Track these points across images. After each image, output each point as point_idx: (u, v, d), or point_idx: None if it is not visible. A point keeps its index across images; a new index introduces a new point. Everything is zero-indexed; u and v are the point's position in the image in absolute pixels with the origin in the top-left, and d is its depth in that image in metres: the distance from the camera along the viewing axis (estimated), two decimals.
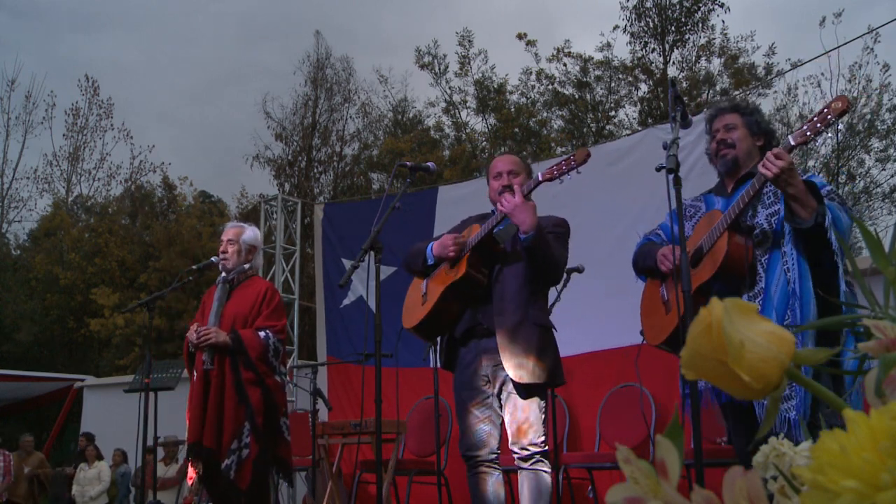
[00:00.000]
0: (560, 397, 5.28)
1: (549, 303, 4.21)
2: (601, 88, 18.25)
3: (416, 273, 3.27)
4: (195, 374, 3.71)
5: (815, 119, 2.28)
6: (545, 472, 2.93)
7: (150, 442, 4.41)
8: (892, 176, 16.37)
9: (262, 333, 3.63)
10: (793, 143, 2.32)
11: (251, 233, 3.94)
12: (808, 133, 2.29)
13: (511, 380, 2.91)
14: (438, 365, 4.53)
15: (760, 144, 2.68)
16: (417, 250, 3.21)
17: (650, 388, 4.99)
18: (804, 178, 2.38)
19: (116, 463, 9.11)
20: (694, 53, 17.53)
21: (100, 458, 9.02)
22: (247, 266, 3.88)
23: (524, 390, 2.91)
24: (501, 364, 2.94)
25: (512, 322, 2.92)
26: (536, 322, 2.97)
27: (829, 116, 2.24)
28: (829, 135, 15.26)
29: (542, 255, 2.91)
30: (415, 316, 3.18)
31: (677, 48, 17.59)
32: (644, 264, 2.85)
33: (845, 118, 15.30)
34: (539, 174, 2.91)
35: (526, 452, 2.90)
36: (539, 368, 2.91)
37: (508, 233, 3.03)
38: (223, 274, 3.86)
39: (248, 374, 3.56)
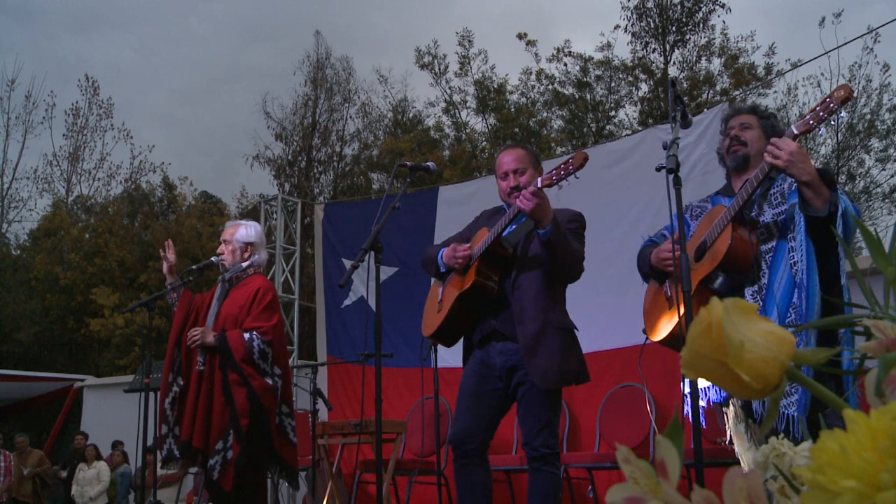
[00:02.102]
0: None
1: None
2: (601, 88, 18.26)
3: (434, 277, 3.26)
4: (188, 369, 3.71)
5: (818, 108, 2.27)
6: (555, 473, 2.91)
7: (150, 442, 4.40)
8: (892, 176, 16.40)
9: (246, 335, 3.60)
10: (796, 132, 2.31)
11: (245, 230, 3.90)
12: (811, 122, 2.28)
13: (529, 381, 2.89)
14: (438, 365, 4.55)
15: None
16: (430, 258, 3.19)
17: (650, 388, 4.99)
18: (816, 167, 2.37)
19: (116, 463, 9.10)
20: (694, 53, 17.55)
21: (99, 458, 9.02)
22: (245, 264, 3.85)
23: (544, 393, 2.90)
24: (518, 364, 2.92)
25: (533, 330, 2.90)
26: (558, 326, 2.95)
27: (832, 105, 2.22)
28: (828, 133, 15.27)
29: (562, 250, 2.86)
30: (432, 324, 3.17)
31: (678, 48, 17.60)
32: (642, 268, 2.85)
33: (848, 111, 15.32)
34: (538, 180, 2.84)
35: (536, 453, 2.89)
36: (564, 372, 2.91)
37: (517, 235, 2.99)
38: (223, 273, 3.86)
39: (233, 375, 3.55)
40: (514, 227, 2.98)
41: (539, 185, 2.81)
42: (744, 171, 2.70)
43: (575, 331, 3.06)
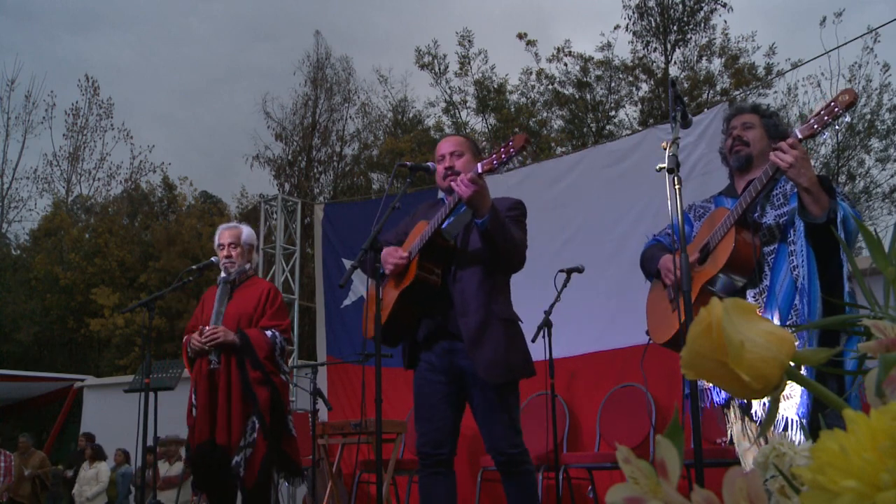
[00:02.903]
0: (560, 397, 5.28)
1: (550, 303, 4.22)
2: (601, 88, 18.26)
3: (371, 277, 3.09)
4: (200, 376, 3.70)
5: (822, 112, 2.25)
6: (529, 471, 2.85)
7: (150, 442, 4.40)
8: (892, 176, 16.41)
9: (268, 333, 3.70)
10: (800, 136, 2.30)
11: (248, 232, 3.98)
12: (816, 126, 2.27)
13: (481, 380, 2.82)
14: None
15: (774, 147, 2.68)
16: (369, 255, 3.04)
17: (650, 388, 5.00)
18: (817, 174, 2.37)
19: (119, 463, 9.10)
20: (695, 53, 17.55)
21: (101, 458, 9.00)
22: (247, 266, 3.93)
23: (497, 390, 2.83)
24: (468, 365, 2.86)
25: (476, 322, 2.83)
26: (501, 317, 2.88)
27: (837, 109, 2.21)
28: (829, 135, 15.28)
29: (502, 239, 2.78)
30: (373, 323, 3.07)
31: (679, 47, 17.60)
32: (649, 268, 2.84)
33: (850, 113, 15.33)
34: (479, 165, 2.74)
35: (504, 457, 2.82)
36: (510, 365, 2.84)
37: (457, 226, 2.92)
38: (223, 275, 3.86)
39: (256, 373, 3.60)
40: (453, 218, 2.90)
41: (479, 170, 2.71)
42: (747, 171, 2.69)
43: (519, 322, 2.99)
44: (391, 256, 2.93)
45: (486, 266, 2.89)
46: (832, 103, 2.24)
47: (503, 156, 2.69)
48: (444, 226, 2.90)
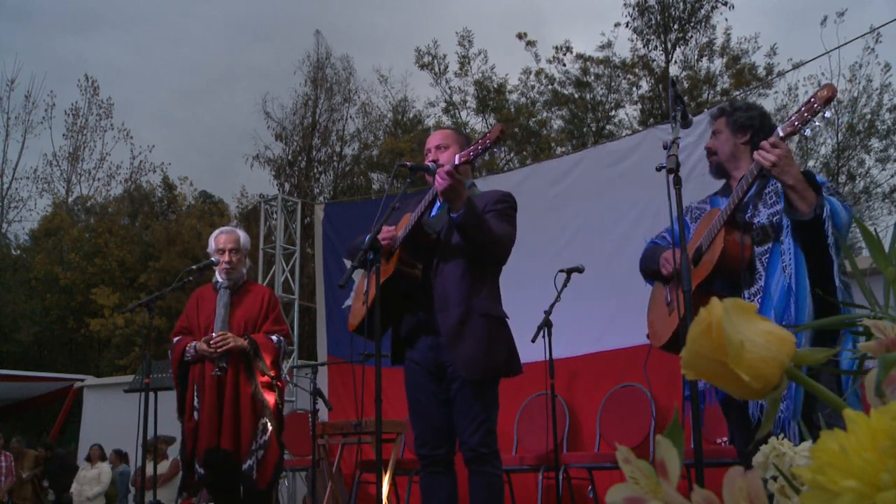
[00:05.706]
0: (560, 397, 5.27)
1: (550, 303, 4.22)
2: (601, 88, 18.24)
3: (360, 267, 3.00)
4: (202, 380, 3.71)
5: (803, 108, 2.28)
6: (496, 474, 2.81)
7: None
8: (892, 176, 16.41)
9: (273, 337, 3.74)
10: (781, 133, 2.32)
11: (244, 236, 4.01)
12: (796, 123, 2.29)
13: (461, 376, 2.80)
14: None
15: (744, 140, 2.68)
16: (356, 245, 3.03)
17: (650, 389, 4.99)
18: (802, 170, 2.38)
19: (114, 463, 9.10)
20: (696, 52, 17.54)
21: (103, 458, 9.01)
22: (244, 270, 3.97)
23: (476, 386, 2.80)
24: (449, 360, 2.83)
25: (456, 317, 2.79)
26: (483, 313, 2.83)
27: (816, 105, 2.24)
28: (829, 134, 15.29)
29: (478, 232, 2.76)
30: (358, 316, 3.05)
31: (679, 46, 17.59)
32: (649, 268, 2.84)
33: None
34: (457, 157, 2.75)
35: (474, 454, 2.79)
36: (491, 361, 2.80)
37: (440, 220, 2.90)
38: (221, 280, 3.85)
39: (264, 378, 3.66)
40: (437, 211, 2.89)
41: (457, 161, 2.71)
42: (723, 177, 2.74)
43: (506, 319, 2.93)
44: (386, 232, 2.90)
45: (468, 260, 2.86)
46: (812, 99, 2.26)
47: (479, 147, 2.69)
48: (428, 218, 2.89)
